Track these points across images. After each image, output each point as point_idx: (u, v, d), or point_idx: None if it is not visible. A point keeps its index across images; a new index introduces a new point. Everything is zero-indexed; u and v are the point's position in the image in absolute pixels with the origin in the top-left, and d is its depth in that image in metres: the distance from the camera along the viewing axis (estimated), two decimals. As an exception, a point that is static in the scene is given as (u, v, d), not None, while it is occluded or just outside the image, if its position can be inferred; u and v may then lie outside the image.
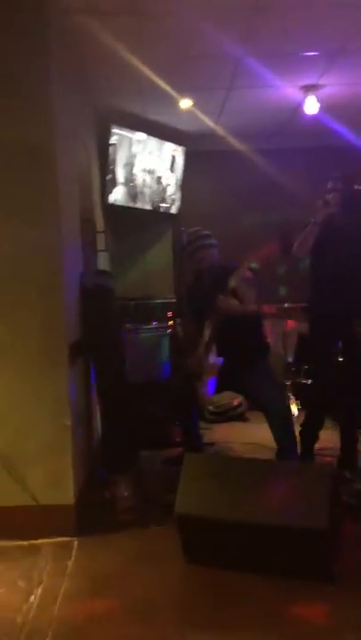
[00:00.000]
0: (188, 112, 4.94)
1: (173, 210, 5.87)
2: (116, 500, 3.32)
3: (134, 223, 5.62)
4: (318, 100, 4.65)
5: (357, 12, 3.31)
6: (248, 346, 3.58)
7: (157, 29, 3.43)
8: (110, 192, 5.05)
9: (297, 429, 3.71)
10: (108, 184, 4.99)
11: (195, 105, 4.80)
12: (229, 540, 2.65)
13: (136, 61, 3.77)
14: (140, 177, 5.40)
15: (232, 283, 3.48)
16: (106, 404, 3.64)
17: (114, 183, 5.07)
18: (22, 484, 3.02)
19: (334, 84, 4.53)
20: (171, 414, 4.29)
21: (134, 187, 5.35)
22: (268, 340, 3.95)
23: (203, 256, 3.71)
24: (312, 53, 3.95)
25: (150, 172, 5.50)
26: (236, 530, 2.62)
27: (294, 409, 4.49)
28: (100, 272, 4.22)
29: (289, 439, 3.56)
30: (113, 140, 4.95)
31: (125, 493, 3.34)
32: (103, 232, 4.77)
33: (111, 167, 5.00)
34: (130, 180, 5.27)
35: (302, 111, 4.79)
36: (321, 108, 4.70)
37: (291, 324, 4.99)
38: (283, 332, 4.97)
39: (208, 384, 3.37)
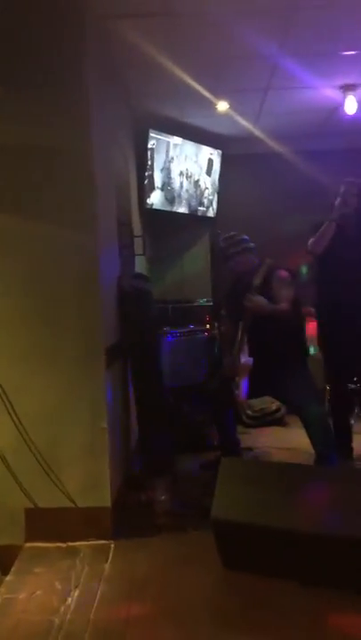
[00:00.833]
0: (226, 115, 4.93)
1: (211, 213, 5.86)
2: (154, 504, 3.31)
3: (172, 227, 5.63)
4: (358, 100, 4.58)
5: None
6: (284, 348, 3.52)
7: (190, 30, 3.41)
8: (148, 196, 5.06)
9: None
10: (145, 188, 5.02)
11: (231, 107, 4.78)
12: (267, 547, 2.61)
13: (171, 65, 3.77)
14: (178, 181, 5.42)
15: (256, 281, 3.46)
16: (143, 407, 3.64)
17: (151, 187, 5.09)
18: (60, 486, 3.04)
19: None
20: (208, 417, 4.26)
21: (172, 190, 5.36)
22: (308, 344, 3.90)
23: (239, 261, 3.69)
24: (350, 52, 3.89)
25: (188, 175, 5.51)
26: (273, 536, 2.57)
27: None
28: (138, 275, 4.24)
29: (327, 446, 3.47)
30: (150, 144, 4.97)
31: (162, 497, 3.33)
32: (141, 236, 4.79)
33: (149, 171, 5.02)
34: (167, 183, 5.29)
35: (342, 111, 4.72)
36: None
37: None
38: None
39: (242, 386, 3.33)
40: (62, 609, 2.46)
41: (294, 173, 5.56)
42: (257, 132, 5.50)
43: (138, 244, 4.63)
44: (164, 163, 5.20)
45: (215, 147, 5.68)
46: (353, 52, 3.89)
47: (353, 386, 4.31)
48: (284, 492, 2.65)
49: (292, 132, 5.51)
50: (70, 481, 3.07)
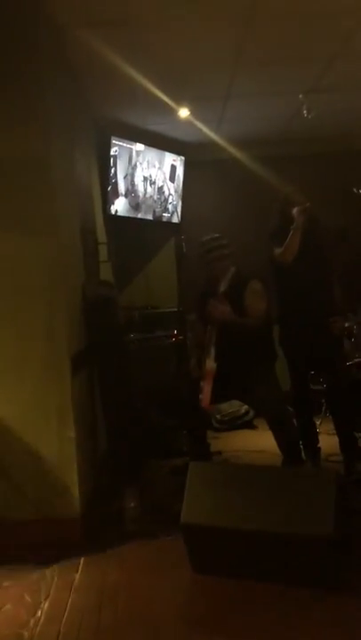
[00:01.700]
0: (188, 122, 4.95)
1: (175, 219, 5.88)
2: (123, 511, 3.30)
3: (136, 233, 5.63)
4: (316, 106, 4.64)
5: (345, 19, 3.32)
6: (250, 351, 3.52)
7: (150, 38, 3.44)
8: (112, 203, 5.06)
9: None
10: (109, 195, 5.01)
11: (193, 114, 4.81)
12: (235, 549, 2.63)
13: (133, 72, 3.77)
14: (141, 187, 5.42)
15: (222, 287, 3.47)
16: (110, 415, 3.63)
17: (115, 194, 5.09)
18: (28, 498, 3.01)
19: (333, 90, 4.53)
20: (177, 423, 4.26)
21: (135, 197, 5.36)
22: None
23: (218, 266, 3.63)
24: (308, 59, 3.95)
25: (151, 182, 5.52)
26: (241, 538, 2.59)
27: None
28: (103, 282, 4.23)
29: (292, 447, 3.53)
30: (113, 151, 4.97)
31: (132, 504, 3.32)
32: (105, 243, 4.78)
33: (112, 178, 5.02)
34: (131, 190, 5.29)
35: (301, 117, 4.79)
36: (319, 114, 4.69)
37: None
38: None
39: (204, 390, 3.33)
40: (32, 622, 2.43)
41: (256, 178, 5.61)
42: (219, 139, 5.55)
43: (102, 251, 4.62)
44: (127, 169, 5.20)
45: (178, 153, 5.70)
46: (311, 59, 3.96)
47: (319, 387, 4.37)
48: (251, 494, 2.67)
49: (253, 138, 5.57)
50: (38, 491, 3.04)
